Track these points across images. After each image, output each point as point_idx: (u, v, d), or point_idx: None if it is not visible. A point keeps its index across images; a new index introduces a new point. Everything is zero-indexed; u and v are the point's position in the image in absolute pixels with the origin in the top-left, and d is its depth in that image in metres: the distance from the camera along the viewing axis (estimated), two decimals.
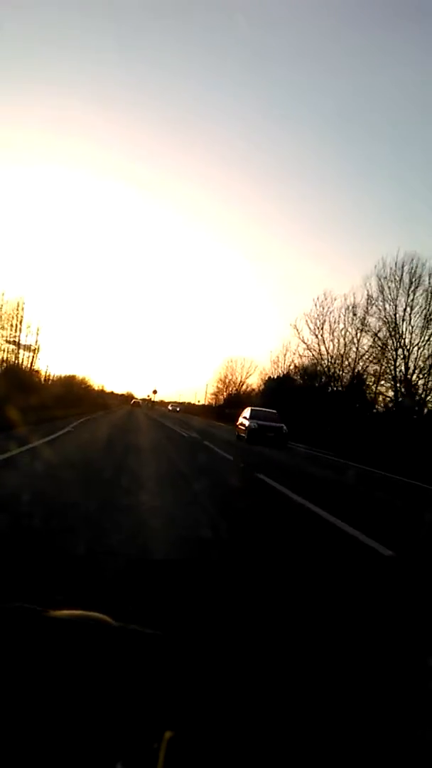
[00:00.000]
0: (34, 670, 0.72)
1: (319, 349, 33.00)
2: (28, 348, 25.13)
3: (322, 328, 32.72)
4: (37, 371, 26.98)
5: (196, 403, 78.13)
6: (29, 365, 25.48)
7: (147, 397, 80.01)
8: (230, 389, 62.11)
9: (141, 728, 0.63)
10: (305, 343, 33.84)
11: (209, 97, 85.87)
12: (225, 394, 63.39)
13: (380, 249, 68.43)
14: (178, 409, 66.84)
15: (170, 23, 75.40)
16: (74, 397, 29.96)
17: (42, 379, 28.22)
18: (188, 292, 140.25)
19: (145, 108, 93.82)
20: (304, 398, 33.03)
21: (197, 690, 0.72)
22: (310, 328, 33.70)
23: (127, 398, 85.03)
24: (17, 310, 24.18)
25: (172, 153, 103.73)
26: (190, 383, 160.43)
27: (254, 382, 57.60)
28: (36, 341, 25.54)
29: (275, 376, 45.76)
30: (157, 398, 76.84)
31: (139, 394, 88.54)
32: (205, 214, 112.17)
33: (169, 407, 70.28)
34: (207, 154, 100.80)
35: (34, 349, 25.53)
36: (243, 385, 59.68)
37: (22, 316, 24.41)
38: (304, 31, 68.82)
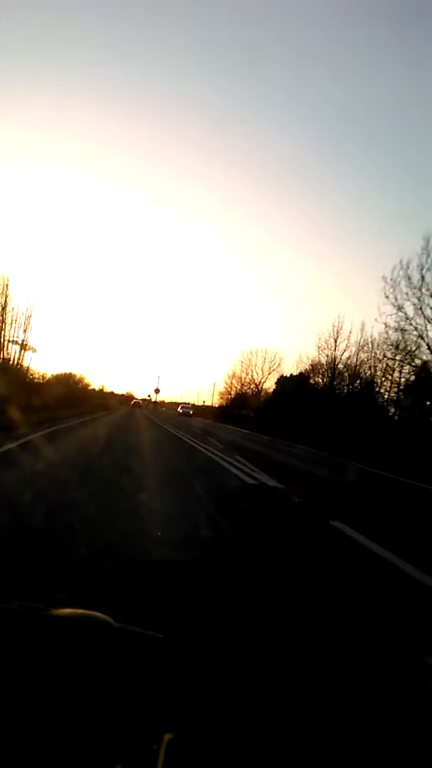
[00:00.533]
0: (35, 670, 0.74)
1: (424, 314, 20.86)
2: (20, 345, 24.35)
3: None
4: (27, 368, 25.84)
5: (201, 404, 76.07)
6: (15, 361, 24.27)
7: (147, 397, 79.29)
8: (247, 388, 53.55)
9: (141, 730, 0.66)
10: (401, 310, 21.38)
11: (209, 97, 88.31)
12: (240, 392, 55.13)
13: (381, 246, 71.06)
14: (191, 412, 54.07)
15: (171, 24, 78.29)
16: (72, 397, 29.28)
17: (32, 376, 27.36)
18: (190, 291, 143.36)
19: (145, 107, 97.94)
20: (332, 402, 28.04)
21: (196, 692, 0.75)
22: (407, 286, 20.97)
23: (127, 399, 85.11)
24: (1, 290, 22.80)
25: (173, 152, 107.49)
26: (191, 383, 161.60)
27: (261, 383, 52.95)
28: (25, 329, 23.97)
29: (289, 375, 42.80)
30: (158, 398, 73.64)
31: (140, 394, 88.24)
32: (205, 212, 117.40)
33: (179, 410, 56.47)
34: (208, 152, 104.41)
35: (23, 344, 24.22)
36: (265, 381, 50.73)
37: (7, 296, 22.97)
38: (305, 31, 71.07)
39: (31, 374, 27.20)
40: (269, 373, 50.44)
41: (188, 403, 72.11)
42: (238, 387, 55.22)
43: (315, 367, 35.74)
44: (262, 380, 51.17)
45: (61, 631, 0.86)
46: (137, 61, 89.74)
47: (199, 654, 0.83)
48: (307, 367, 37.56)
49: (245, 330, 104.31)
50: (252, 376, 52.51)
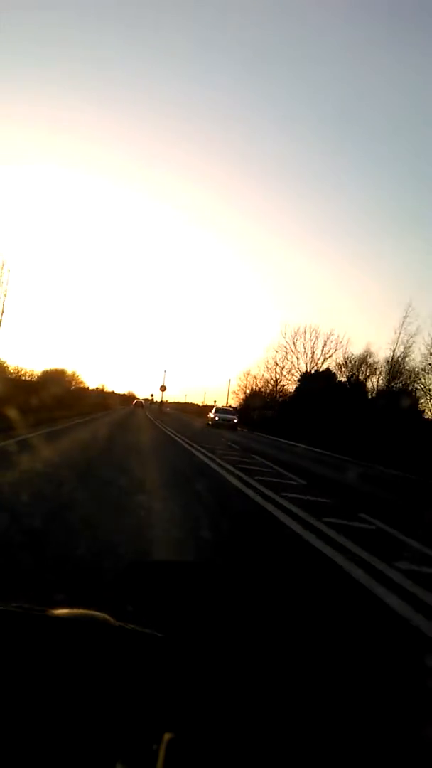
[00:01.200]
0: (35, 670, 0.80)
1: None
2: None
3: None
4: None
5: (212, 404, 73.05)
6: None
7: (150, 397, 78.46)
8: (286, 380, 44.14)
9: (140, 729, 0.71)
10: None
11: (209, 96, 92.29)
12: (255, 390, 47.71)
13: (383, 245, 74.28)
14: (235, 420, 33.67)
15: (172, 23, 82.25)
16: (65, 396, 28.42)
17: (10, 372, 26.74)
18: (193, 290, 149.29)
19: (144, 106, 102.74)
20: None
21: (196, 691, 0.80)
22: None
23: (129, 398, 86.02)
24: None
25: (175, 150, 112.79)
26: (195, 383, 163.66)
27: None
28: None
29: (314, 371, 39.41)
30: (164, 397, 71.11)
31: (142, 394, 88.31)
32: (206, 210, 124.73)
33: (213, 416, 34.18)
34: (209, 152, 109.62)
35: None
36: (318, 367, 40.80)
37: None
38: (307, 31, 74.60)
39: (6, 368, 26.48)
40: (326, 357, 40.50)
41: (229, 407, 44.68)
42: (272, 379, 45.48)
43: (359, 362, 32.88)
44: (313, 366, 41.38)
45: (60, 631, 0.92)
46: (137, 60, 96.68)
47: (198, 653, 0.87)
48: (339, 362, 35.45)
49: (252, 328, 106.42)
50: (296, 363, 42.90)
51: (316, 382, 37.72)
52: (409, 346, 29.34)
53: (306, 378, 41.00)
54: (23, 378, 29.66)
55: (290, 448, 22.38)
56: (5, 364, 26.91)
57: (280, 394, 44.38)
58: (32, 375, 32.36)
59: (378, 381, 32.50)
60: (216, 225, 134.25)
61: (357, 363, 35.61)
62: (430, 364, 27.03)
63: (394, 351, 30.43)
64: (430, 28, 70.24)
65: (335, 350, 40.74)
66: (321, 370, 40.10)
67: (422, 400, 27.83)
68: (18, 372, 28.96)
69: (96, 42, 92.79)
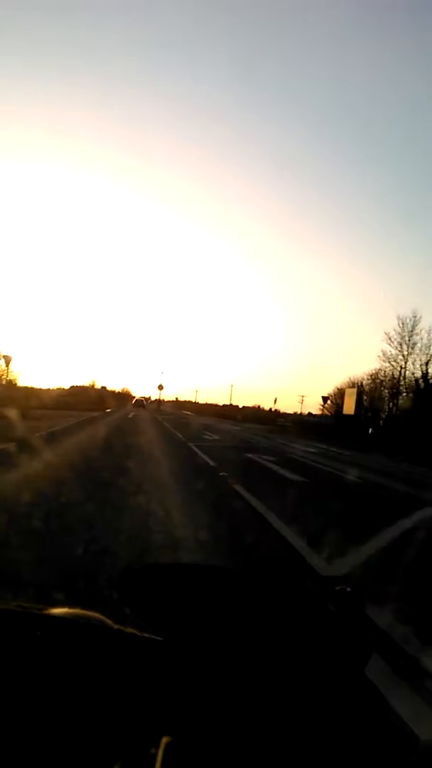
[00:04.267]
0: (33, 671, 0.90)
1: None
2: None
3: None
4: None
5: (301, 412, 59.39)
6: None
7: (159, 390, 75.32)
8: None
9: (138, 732, 0.81)
10: None
11: (209, 96, 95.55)
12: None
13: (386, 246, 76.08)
14: None
15: (171, 22, 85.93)
16: None
17: None
18: (195, 289, 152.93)
19: (143, 104, 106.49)
20: None
21: (195, 695, 0.90)
22: None
23: (124, 396, 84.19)
24: None
25: (175, 152, 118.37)
26: (196, 382, 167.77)
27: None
28: None
29: None
30: (162, 395, 60.72)
31: (138, 392, 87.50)
32: (206, 210, 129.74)
33: None
34: (210, 152, 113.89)
35: None
36: None
37: None
38: (304, 29, 76.71)
39: None
40: None
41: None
42: None
43: None
44: None
45: (59, 632, 1.03)
46: (137, 60, 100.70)
47: (198, 657, 0.97)
48: None
49: (249, 329, 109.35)
50: None
51: None
52: None
53: None
54: None
55: None
56: None
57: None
58: None
59: None
60: (215, 224, 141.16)
61: None
62: None
63: None
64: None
65: None
66: None
67: None
68: None
69: (96, 42, 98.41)
